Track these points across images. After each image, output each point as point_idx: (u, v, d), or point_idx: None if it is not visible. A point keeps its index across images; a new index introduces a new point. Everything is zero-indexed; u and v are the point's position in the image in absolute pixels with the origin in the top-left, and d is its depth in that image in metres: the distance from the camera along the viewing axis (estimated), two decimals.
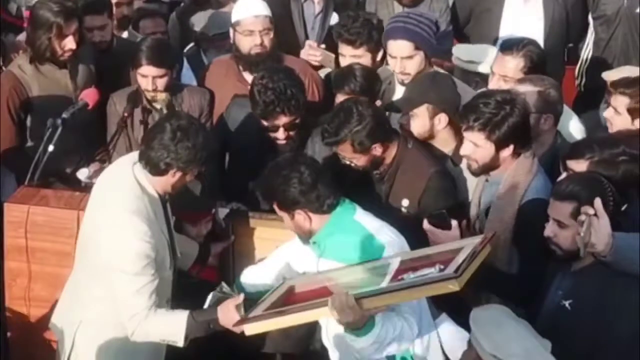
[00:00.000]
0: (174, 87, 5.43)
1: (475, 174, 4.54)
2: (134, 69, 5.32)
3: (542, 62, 5.28)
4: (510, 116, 4.34)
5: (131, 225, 4.12)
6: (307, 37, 6.26)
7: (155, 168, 4.18)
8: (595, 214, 3.84)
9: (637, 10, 6.64)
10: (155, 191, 4.24)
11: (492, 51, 5.76)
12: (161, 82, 5.28)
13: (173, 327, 4.19)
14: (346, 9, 6.40)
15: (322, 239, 4.13)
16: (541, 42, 5.79)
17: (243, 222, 4.88)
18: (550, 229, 4.06)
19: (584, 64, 6.85)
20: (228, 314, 4.15)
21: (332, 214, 4.11)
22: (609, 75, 5.58)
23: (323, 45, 6.04)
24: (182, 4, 7.41)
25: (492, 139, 4.35)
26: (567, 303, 4.05)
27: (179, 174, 4.21)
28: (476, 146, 4.39)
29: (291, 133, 4.87)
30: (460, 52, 6.13)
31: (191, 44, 6.69)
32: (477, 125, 4.35)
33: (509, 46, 5.25)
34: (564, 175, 4.38)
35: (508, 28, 6.34)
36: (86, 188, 5.10)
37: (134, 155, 4.31)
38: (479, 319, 3.84)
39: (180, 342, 4.20)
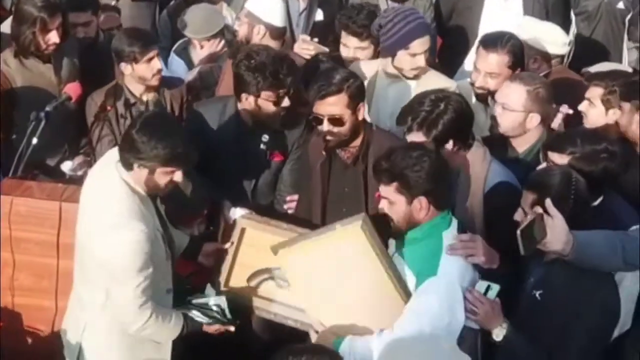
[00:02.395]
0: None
1: None
2: (136, 63, 5.36)
3: (522, 54, 5.39)
4: (445, 113, 4.40)
5: (125, 227, 4.11)
6: (292, 34, 6.34)
7: (124, 162, 4.17)
8: (547, 213, 3.90)
9: (618, 6, 6.75)
10: (140, 187, 4.22)
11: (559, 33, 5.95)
12: (161, 61, 5.45)
13: (168, 335, 4.40)
14: (330, 5, 6.48)
15: (419, 235, 4.12)
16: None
17: (253, 231, 4.72)
18: (518, 215, 4.12)
19: (566, 60, 6.91)
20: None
21: (439, 215, 4.11)
22: (589, 71, 5.69)
23: (316, 39, 6.12)
24: (172, 2, 7.47)
25: (430, 136, 4.42)
26: (537, 293, 4.11)
27: (144, 171, 4.14)
28: None
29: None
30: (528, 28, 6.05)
31: (181, 41, 6.77)
32: (415, 125, 4.42)
33: (492, 42, 5.30)
34: (543, 165, 4.46)
35: (487, 25, 6.41)
36: (70, 180, 5.22)
37: (116, 152, 4.29)
38: None
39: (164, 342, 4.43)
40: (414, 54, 5.32)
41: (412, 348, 3.52)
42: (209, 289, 4.60)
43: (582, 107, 5.05)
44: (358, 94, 4.74)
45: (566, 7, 6.97)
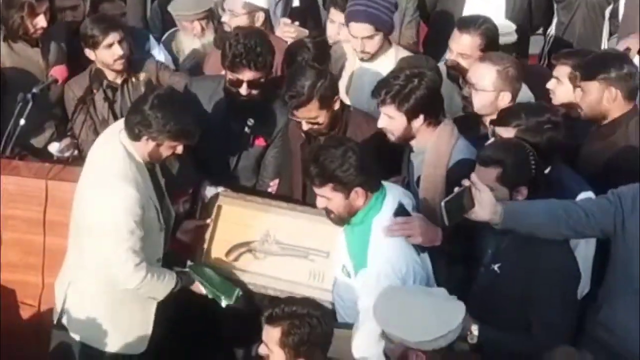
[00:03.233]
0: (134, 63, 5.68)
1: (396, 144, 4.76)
2: (96, 49, 5.45)
3: (496, 38, 5.54)
4: (418, 89, 4.57)
5: (117, 188, 4.36)
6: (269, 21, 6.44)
7: (130, 132, 4.43)
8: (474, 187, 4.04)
9: None
10: (140, 157, 4.46)
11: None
12: (125, 46, 5.49)
13: (163, 291, 4.62)
14: None
15: (358, 220, 4.34)
16: None
17: (230, 207, 4.95)
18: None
19: (547, 46, 7.04)
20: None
21: (373, 196, 4.32)
22: None
23: (297, 22, 6.25)
24: None
25: (402, 110, 4.58)
26: (496, 267, 4.26)
27: (152, 143, 4.42)
28: (390, 118, 4.62)
29: (253, 91, 5.06)
30: None
31: (169, 31, 6.87)
32: (388, 98, 4.59)
33: (466, 24, 5.47)
34: (491, 140, 4.60)
35: (470, 13, 6.52)
36: (57, 161, 5.36)
37: (120, 124, 4.54)
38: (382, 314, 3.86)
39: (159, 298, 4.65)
40: (353, 35, 5.51)
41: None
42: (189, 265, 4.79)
43: (550, 85, 5.21)
44: (329, 92, 4.84)
45: None
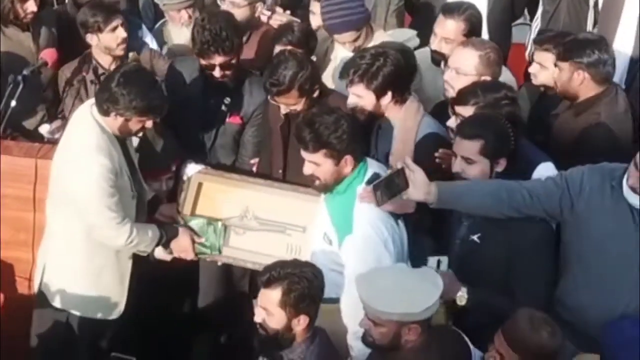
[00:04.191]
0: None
1: (365, 122, 4.89)
2: (100, 33, 5.57)
3: (479, 24, 5.71)
4: (384, 66, 4.74)
5: (92, 157, 4.55)
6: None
7: (100, 108, 4.62)
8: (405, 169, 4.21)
9: None
10: (111, 131, 4.64)
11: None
12: (125, 28, 5.65)
13: (150, 243, 4.80)
14: None
15: (342, 189, 4.51)
16: (484, 14, 6.17)
17: (209, 184, 5.10)
18: (458, 166, 4.39)
19: (532, 35, 7.14)
20: (184, 241, 4.87)
21: (358, 165, 4.48)
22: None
23: (288, 11, 6.42)
24: None
25: (371, 88, 4.75)
26: (475, 237, 4.39)
27: (120, 119, 4.61)
28: (359, 97, 4.78)
29: (227, 72, 5.21)
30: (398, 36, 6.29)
31: (159, 22, 6.99)
32: (356, 77, 4.75)
33: (451, 10, 5.62)
34: (452, 119, 4.74)
35: None
36: (48, 142, 5.50)
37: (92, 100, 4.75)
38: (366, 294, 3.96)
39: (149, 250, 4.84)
40: (341, 42, 5.67)
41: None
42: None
43: (533, 69, 5.38)
44: (309, 83, 4.96)
45: None
